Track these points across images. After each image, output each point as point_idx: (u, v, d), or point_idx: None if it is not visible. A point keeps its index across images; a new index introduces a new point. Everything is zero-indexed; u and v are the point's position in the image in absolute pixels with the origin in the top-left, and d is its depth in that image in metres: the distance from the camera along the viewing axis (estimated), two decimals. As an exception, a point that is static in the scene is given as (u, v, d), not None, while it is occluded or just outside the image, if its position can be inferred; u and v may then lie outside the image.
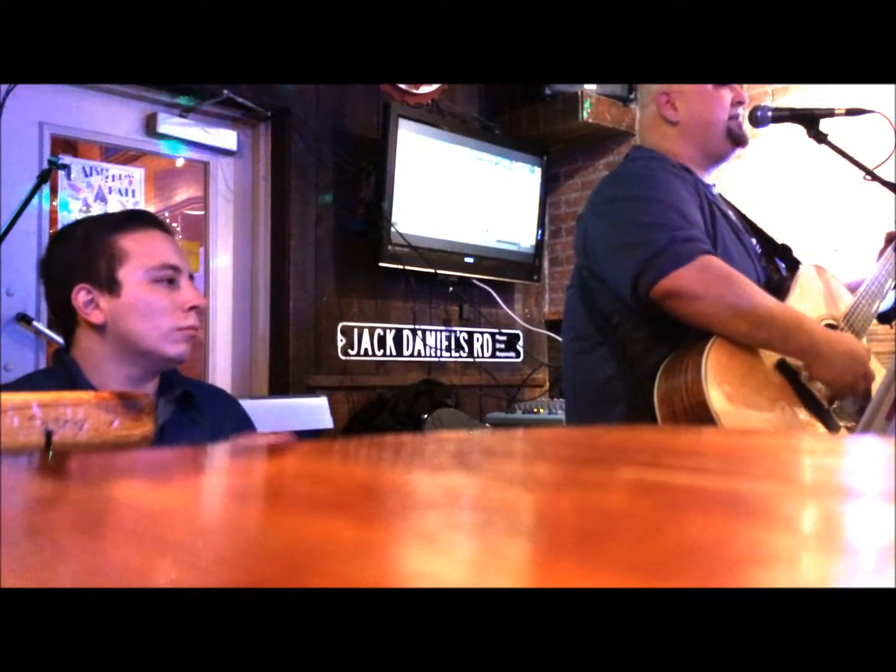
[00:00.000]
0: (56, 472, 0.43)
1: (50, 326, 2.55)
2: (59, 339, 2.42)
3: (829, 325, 1.56)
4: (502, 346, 3.52)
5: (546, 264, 3.65)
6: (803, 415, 1.43)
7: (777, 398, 1.42)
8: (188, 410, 1.28)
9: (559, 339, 3.11)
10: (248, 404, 1.45)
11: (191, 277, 1.29)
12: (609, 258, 1.50)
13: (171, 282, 1.24)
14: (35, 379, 1.29)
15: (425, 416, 2.83)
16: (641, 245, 1.42)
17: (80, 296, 1.21)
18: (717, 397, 1.33)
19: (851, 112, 1.62)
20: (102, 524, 0.27)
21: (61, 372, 1.22)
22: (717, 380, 1.35)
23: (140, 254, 1.23)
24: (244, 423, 1.37)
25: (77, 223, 1.31)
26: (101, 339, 1.22)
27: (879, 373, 1.52)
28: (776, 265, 1.69)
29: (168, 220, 3.43)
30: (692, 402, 1.34)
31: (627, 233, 1.47)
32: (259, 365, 2.94)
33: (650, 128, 1.69)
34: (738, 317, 1.38)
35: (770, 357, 1.44)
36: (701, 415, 1.32)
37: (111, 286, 1.21)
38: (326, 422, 2.63)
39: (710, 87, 1.62)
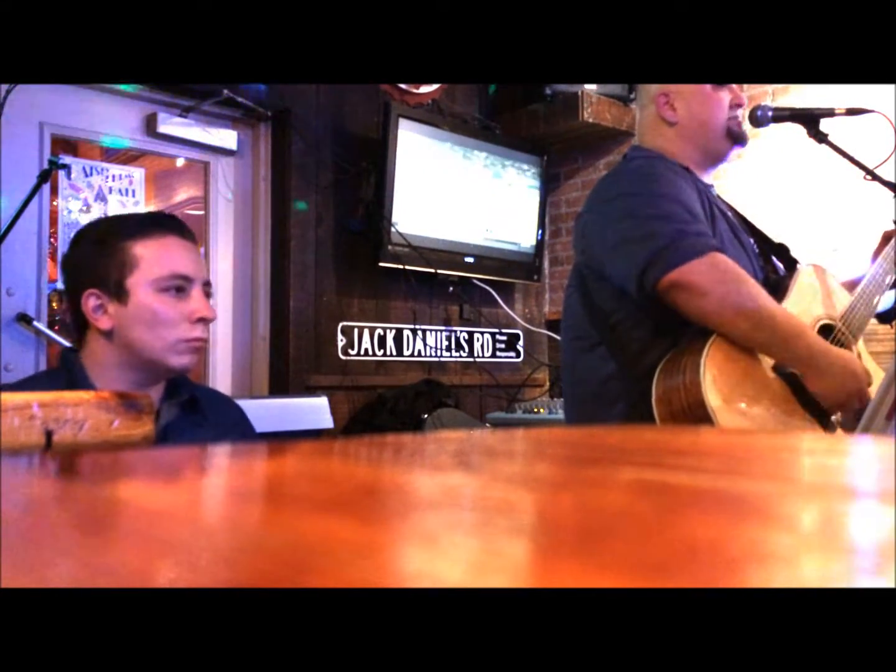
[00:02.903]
0: (56, 472, 0.43)
1: (51, 326, 2.55)
2: (60, 339, 2.44)
3: (827, 325, 1.56)
4: (502, 345, 3.52)
5: (546, 264, 3.65)
6: (801, 415, 1.43)
7: (774, 398, 1.42)
8: (192, 414, 1.28)
9: (559, 338, 3.11)
10: (248, 404, 1.45)
11: (207, 284, 1.27)
12: (612, 253, 1.50)
13: (181, 290, 1.22)
14: (38, 380, 1.29)
15: (425, 416, 2.83)
16: (649, 237, 1.41)
17: (90, 301, 1.21)
18: (714, 397, 1.33)
19: (851, 112, 1.62)
20: (103, 524, 0.27)
21: (64, 373, 1.23)
22: (716, 379, 1.35)
23: (150, 262, 1.21)
24: (246, 430, 1.38)
25: (96, 224, 1.31)
26: (108, 345, 1.22)
27: (878, 375, 1.52)
28: (774, 265, 1.69)
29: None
30: (690, 401, 1.34)
31: (632, 226, 1.46)
32: (259, 365, 2.94)
33: (649, 128, 1.69)
34: (741, 316, 1.38)
35: (768, 357, 1.44)
36: (699, 414, 1.33)
37: (119, 294, 1.21)
38: (326, 422, 2.63)
39: (708, 87, 1.62)
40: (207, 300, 1.27)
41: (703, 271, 1.37)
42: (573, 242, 1.70)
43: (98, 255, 1.22)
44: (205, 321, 1.24)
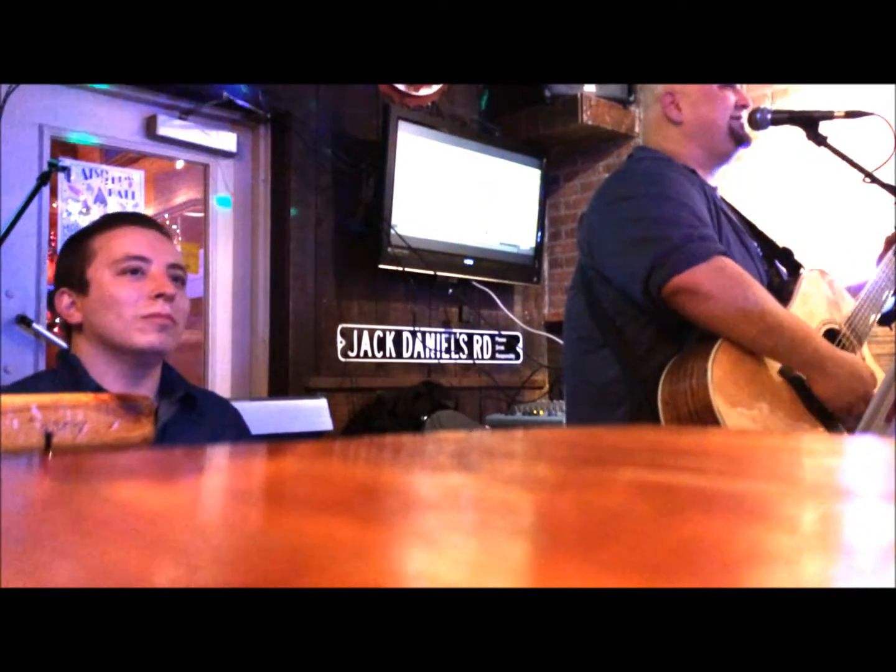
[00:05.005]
0: (56, 474, 0.43)
1: (51, 328, 2.55)
2: (59, 341, 2.43)
3: (832, 330, 1.55)
4: (502, 347, 3.52)
5: (546, 266, 3.65)
6: (808, 419, 1.43)
7: (781, 402, 1.41)
8: (190, 412, 1.29)
9: (559, 340, 3.10)
10: (247, 406, 1.45)
11: (173, 266, 1.28)
12: (618, 255, 1.49)
13: (137, 272, 1.24)
14: (40, 379, 1.31)
15: (425, 417, 2.83)
16: (656, 241, 1.41)
17: (63, 299, 1.26)
18: (722, 401, 1.33)
19: (851, 114, 1.61)
20: (103, 524, 0.27)
21: (66, 373, 1.24)
22: (723, 384, 1.34)
23: (106, 249, 1.25)
24: (243, 431, 1.38)
25: (73, 233, 1.38)
26: (85, 339, 1.26)
27: (879, 376, 1.52)
28: (777, 269, 1.69)
29: (168, 222, 3.43)
30: (697, 405, 1.34)
31: (640, 229, 1.45)
32: (259, 366, 2.94)
33: (654, 129, 1.69)
34: (748, 321, 1.37)
35: (774, 361, 1.44)
36: (706, 418, 1.32)
37: (82, 286, 1.25)
38: (326, 423, 2.63)
39: (714, 87, 1.62)
40: (174, 281, 1.27)
41: (709, 276, 1.37)
42: (577, 243, 1.69)
43: (66, 256, 1.29)
44: (164, 297, 1.24)
